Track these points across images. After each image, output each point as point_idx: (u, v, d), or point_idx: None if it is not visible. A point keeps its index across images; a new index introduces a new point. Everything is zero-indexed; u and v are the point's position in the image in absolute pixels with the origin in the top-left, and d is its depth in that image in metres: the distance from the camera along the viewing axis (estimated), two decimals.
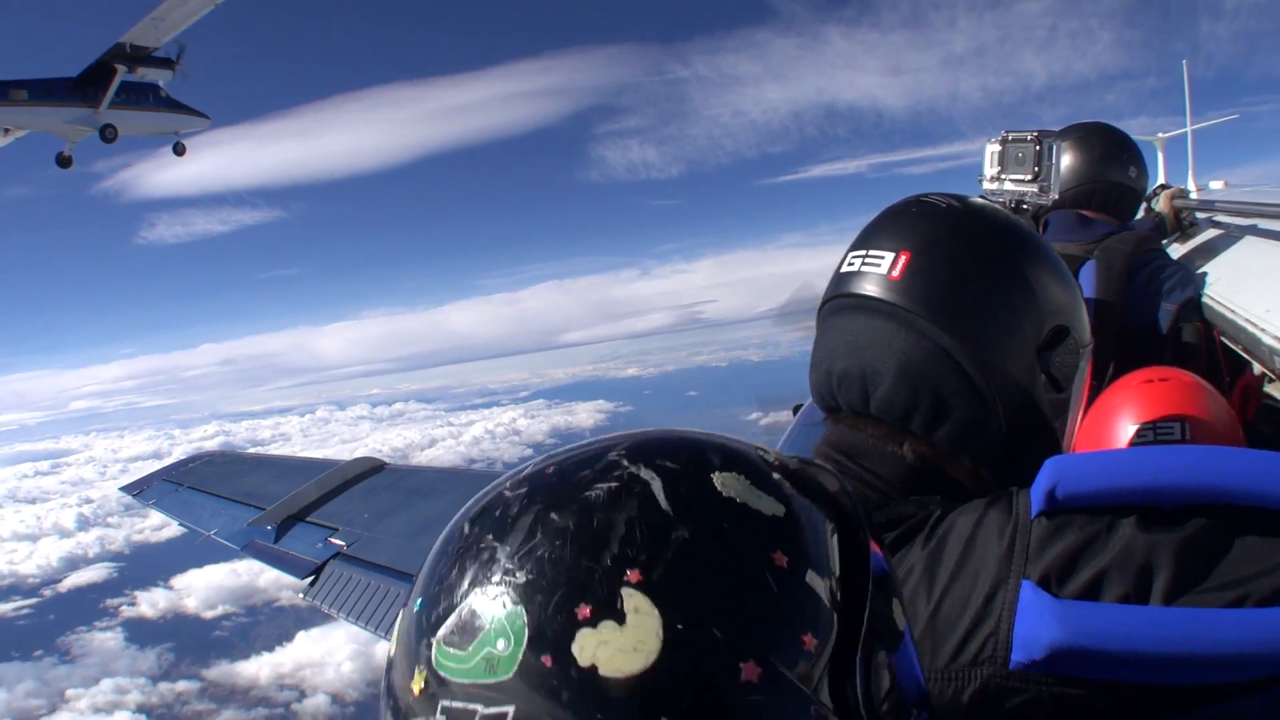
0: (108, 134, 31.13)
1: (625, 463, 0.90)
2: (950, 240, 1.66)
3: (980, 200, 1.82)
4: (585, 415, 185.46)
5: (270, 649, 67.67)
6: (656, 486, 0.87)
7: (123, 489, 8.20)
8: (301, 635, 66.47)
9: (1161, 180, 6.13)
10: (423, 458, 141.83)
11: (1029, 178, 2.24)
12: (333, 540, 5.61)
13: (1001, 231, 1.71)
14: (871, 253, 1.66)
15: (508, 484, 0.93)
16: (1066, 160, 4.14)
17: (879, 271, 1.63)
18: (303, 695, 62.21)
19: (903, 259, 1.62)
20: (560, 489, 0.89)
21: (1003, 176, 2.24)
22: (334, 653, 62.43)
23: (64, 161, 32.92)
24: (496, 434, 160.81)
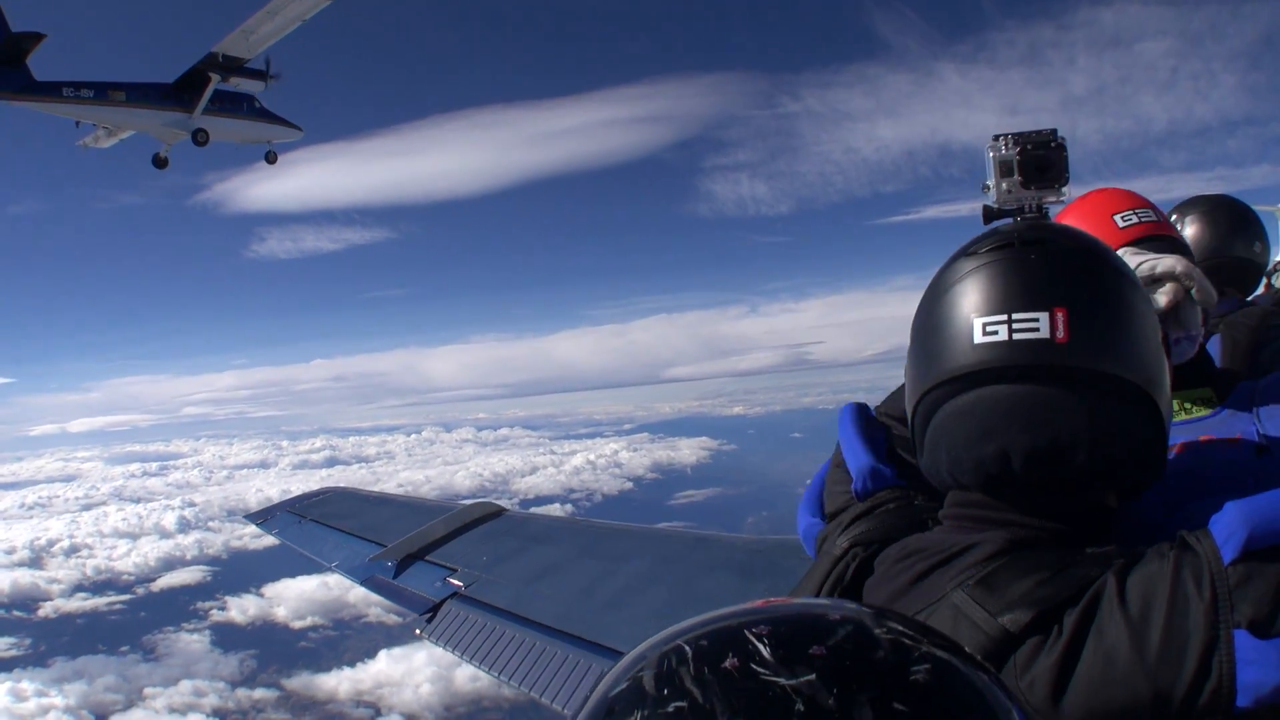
0: (199, 138, 32.73)
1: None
2: (1092, 275, 1.69)
3: (1060, 224, 1.90)
4: (688, 452, 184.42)
5: (352, 664, 68.63)
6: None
7: (247, 517, 8.61)
8: (384, 653, 67.29)
9: None
10: (523, 484, 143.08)
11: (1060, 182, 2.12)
12: (451, 580, 5.83)
13: (1109, 254, 1.78)
14: (1017, 317, 1.63)
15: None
16: (1192, 233, 4.27)
17: (1040, 336, 1.61)
18: (378, 714, 63.00)
19: (1060, 317, 1.62)
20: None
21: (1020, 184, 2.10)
22: (414, 674, 63.18)
23: (160, 162, 34.87)
24: (598, 465, 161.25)
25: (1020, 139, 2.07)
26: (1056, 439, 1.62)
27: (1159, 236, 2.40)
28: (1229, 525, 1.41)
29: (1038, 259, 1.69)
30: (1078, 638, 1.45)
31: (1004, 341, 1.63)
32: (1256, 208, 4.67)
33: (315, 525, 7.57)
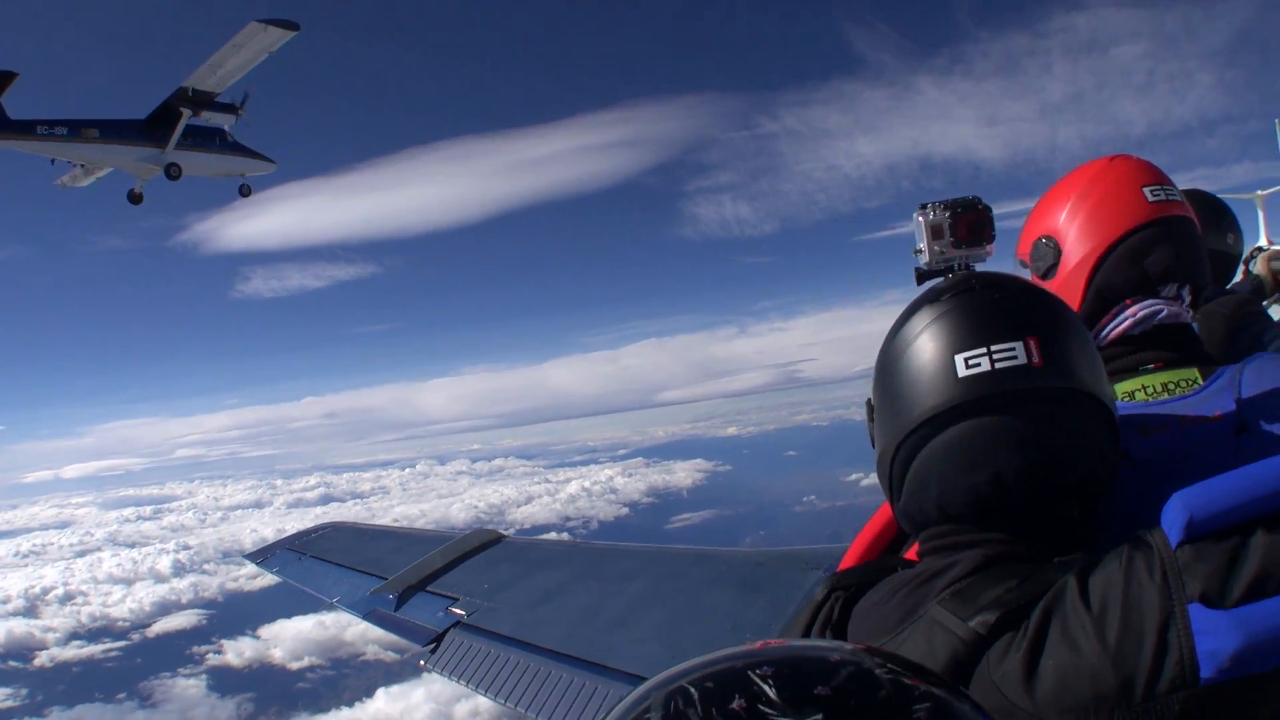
0: (172, 172, 32.94)
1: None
2: (1048, 307, 1.86)
3: (999, 273, 2.03)
4: (684, 474, 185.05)
5: (350, 704, 68.36)
6: None
7: (246, 557, 8.61)
8: (382, 692, 67.08)
9: (1263, 239, 6.23)
10: (519, 514, 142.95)
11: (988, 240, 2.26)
12: (453, 610, 5.85)
13: (1048, 291, 1.97)
14: (996, 348, 1.75)
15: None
16: None
17: (1019, 362, 1.74)
18: None
19: (1034, 344, 1.75)
20: None
21: (959, 243, 2.23)
22: (412, 711, 62.70)
23: (135, 198, 35.06)
24: (593, 492, 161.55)
25: (949, 205, 2.22)
26: (1046, 455, 1.76)
27: (1177, 218, 2.45)
28: (1173, 513, 1.49)
29: (1001, 297, 1.84)
30: (1042, 631, 1.55)
31: (988, 372, 1.75)
32: (1237, 196, 4.78)
33: (315, 561, 7.60)
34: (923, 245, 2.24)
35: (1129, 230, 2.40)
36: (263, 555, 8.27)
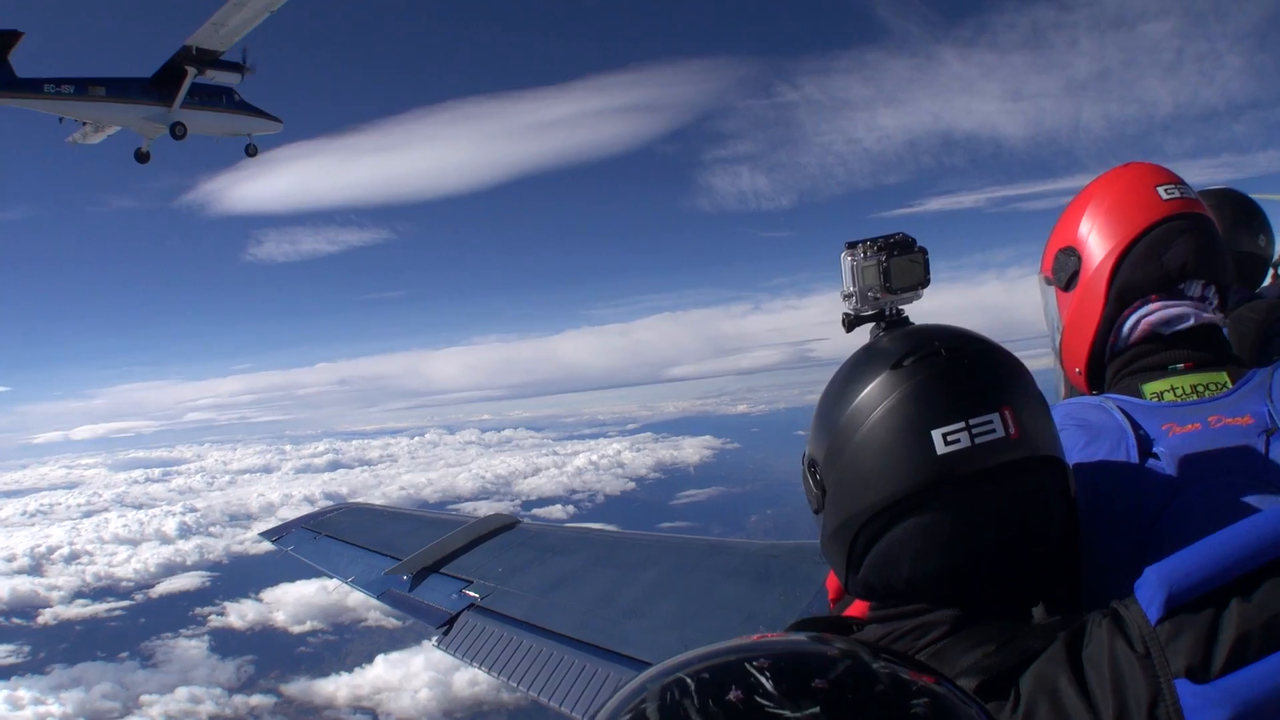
0: (177, 131, 32.80)
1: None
2: (1012, 370, 1.84)
3: (954, 327, 1.94)
4: (691, 450, 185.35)
5: (350, 669, 68.71)
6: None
7: (262, 534, 8.71)
8: (381, 658, 67.41)
9: None
10: (525, 486, 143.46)
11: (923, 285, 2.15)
12: (467, 592, 5.92)
13: (1004, 349, 1.91)
14: (974, 422, 1.72)
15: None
16: None
17: (998, 436, 1.72)
18: (375, 719, 63.25)
19: (1009, 415, 1.73)
20: None
21: (893, 289, 2.11)
22: (412, 679, 63.43)
23: (142, 157, 34.98)
24: (600, 465, 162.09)
25: (884, 245, 2.13)
26: (1024, 526, 1.78)
27: (1194, 214, 2.44)
28: (1150, 588, 1.53)
29: (970, 363, 1.80)
30: (1033, 706, 1.57)
31: (969, 448, 1.71)
32: (1266, 197, 4.74)
33: (330, 540, 7.69)
34: (852, 289, 2.14)
35: (1146, 227, 2.38)
36: (278, 533, 8.36)
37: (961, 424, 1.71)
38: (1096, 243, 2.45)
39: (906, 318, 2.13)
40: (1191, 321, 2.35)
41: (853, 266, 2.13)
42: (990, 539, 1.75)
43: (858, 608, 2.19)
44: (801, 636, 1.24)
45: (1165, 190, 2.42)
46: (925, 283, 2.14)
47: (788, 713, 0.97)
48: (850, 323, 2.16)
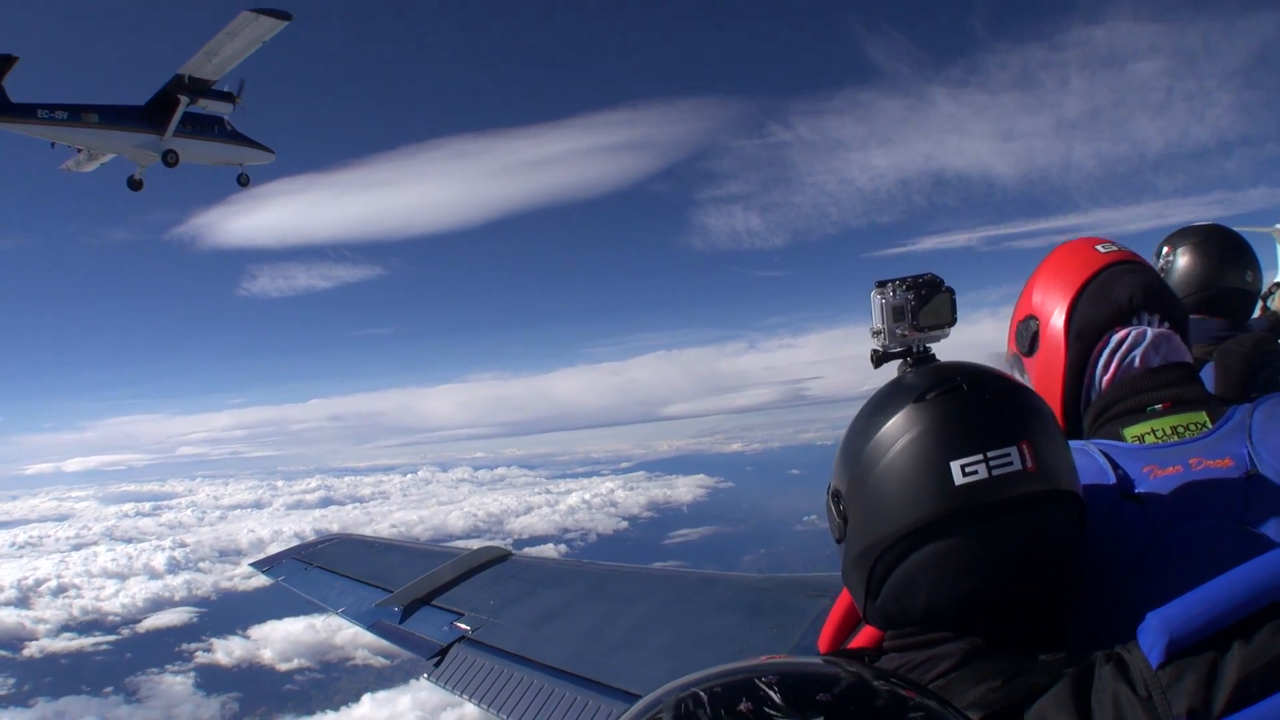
0: (169, 159, 33.34)
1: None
2: (1034, 407, 1.89)
3: (977, 365, 2.00)
4: (685, 490, 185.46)
5: (337, 708, 68.26)
6: None
7: (253, 565, 8.68)
8: (368, 697, 66.95)
9: None
10: (518, 524, 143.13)
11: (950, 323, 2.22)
12: (458, 624, 5.89)
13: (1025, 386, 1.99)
14: (991, 454, 1.76)
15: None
16: (1184, 264, 4.34)
17: (1015, 469, 1.75)
18: None
19: (1026, 448, 1.78)
20: None
21: (921, 326, 2.17)
22: (399, 718, 62.71)
23: (135, 184, 35.53)
24: (593, 504, 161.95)
25: (912, 285, 2.18)
26: (1038, 558, 1.83)
27: (1134, 260, 2.59)
28: (1152, 634, 1.59)
29: (991, 398, 1.85)
30: None
31: (986, 479, 1.75)
32: (1255, 230, 4.77)
33: (320, 571, 7.66)
34: (881, 326, 2.20)
35: (1091, 275, 2.52)
36: (269, 564, 8.33)
37: (979, 456, 1.76)
38: (1050, 300, 2.59)
39: (933, 355, 2.18)
40: (1150, 335, 2.44)
41: (882, 304, 2.19)
42: (1006, 568, 1.79)
43: (862, 639, 2.24)
44: (808, 658, 1.36)
45: (1103, 247, 2.60)
46: (952, 321, 2.20)
47: None
48: (878, 359, 2.21)
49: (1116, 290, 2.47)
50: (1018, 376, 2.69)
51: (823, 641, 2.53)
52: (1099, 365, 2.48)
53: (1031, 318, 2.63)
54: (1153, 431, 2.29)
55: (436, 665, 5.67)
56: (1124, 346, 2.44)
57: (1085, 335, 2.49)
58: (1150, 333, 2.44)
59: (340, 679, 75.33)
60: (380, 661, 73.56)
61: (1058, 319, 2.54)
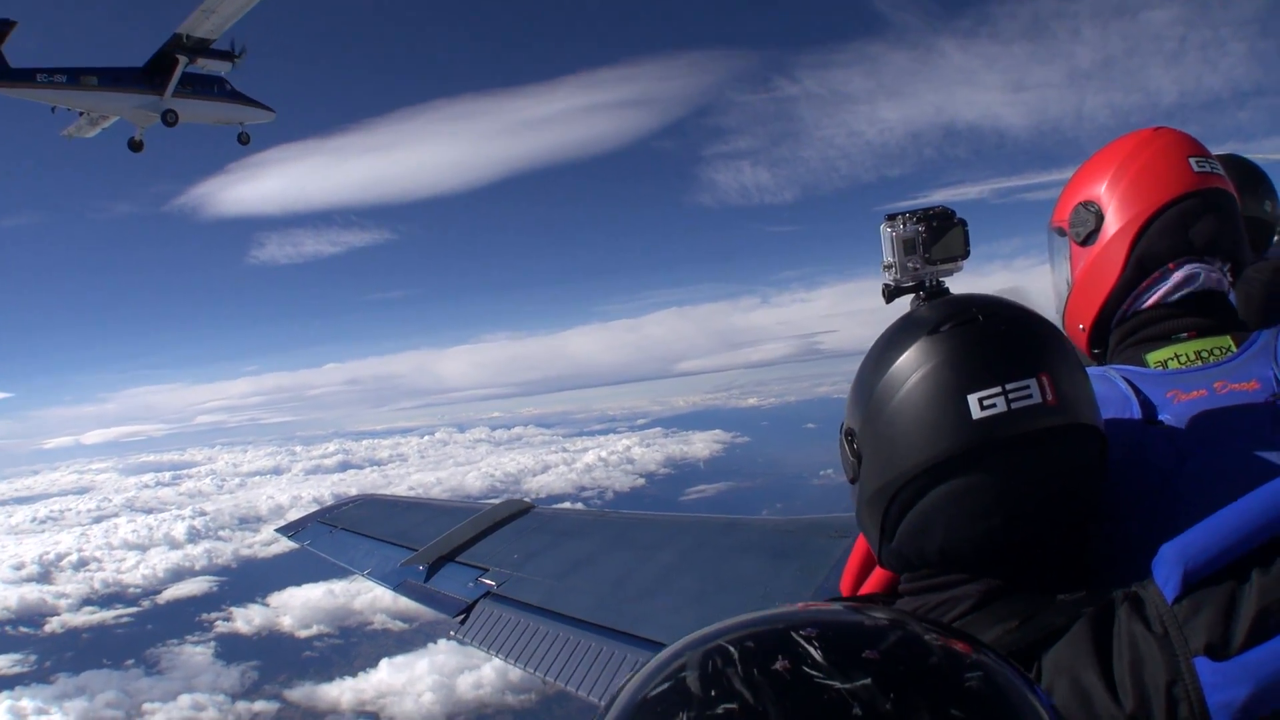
0: (168, 119, 33.36)
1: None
2: (1053, 338, 1.84)
3: (992, 295, 1.95)
4: (701, 445, 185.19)
5: (355, 674, 68.61)
6: None
7: (278, 530, 8.78)
8: (385, 662, 67.41)
9: None
10: (535, 483, 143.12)
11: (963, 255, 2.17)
12: (483, 580, 5.96)
13: (1044, 318, 1.91)
14: (1010, 386, 1.71)
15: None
16: None
17: (1035, 401, 1.71)
18: None
19: (1046, 381, 1.73)
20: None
21: (933, 259, 2.13)
22: (416, 683, 63.22)
23: (135, 146, 35.67)
24: (610, 461, 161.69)
25: (923, 217, 2.14)
26: (1058, 495, 1.77)
27: (1222, 191, 2.41)
28: (1167, 566, 1.57)
29: (1008, 329, 1.80)
30: (1054, 683, 1.59)
31: (1005, 413, 1.70)
32: (1267, 157, 4.72)
33: (346, 534, 7.73)
34: (892, 260, 2.15)
35: (1174, 198, 2.33)
36: (294, 529, 8.40)
37: (998, 389, 1.71)
38: (1121, 205, 2.40)
39: (946, 289, 2.15)
40: (1202, 279, 2.33)
41: (892, 237, 2.14)
42: (1025, 505, 1.74)
43: (876, 581, 2.23)
44: (850, 604, 1.24)
45: (1197, 163, 2.38)
46: (965, 254, 2.16)
47: (837, 684, 0.94)
48: (890, 294, 2.17)
49: (1197, 229, 2.32)
50: (1053, 250, 2.64)
51: (844, 585, 2.48)
52: (1146, 292, 2.38)
53: (1094, 205, 2.44)
54: (1176, 357, 2.24)
55: (462, 622, 5.74)
56: (1178, 286, 2.34)
57: (1146, 264, 2.36)
58: (1204, 275, 2.33)
59: (359, 644, 75.78)
60: (398, 625, 74.08)
61: (1126, 231, 2.38)
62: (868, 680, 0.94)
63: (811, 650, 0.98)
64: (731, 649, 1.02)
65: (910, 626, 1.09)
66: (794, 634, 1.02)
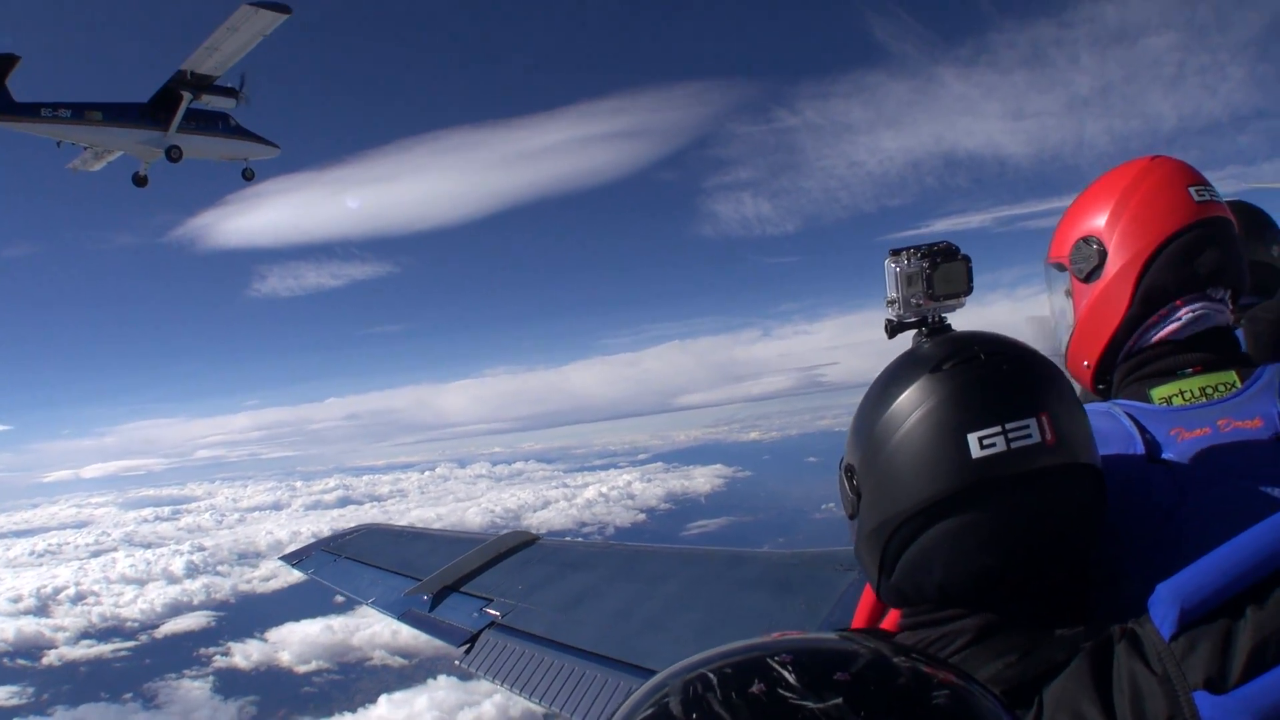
0: (172, 154, 33.59)
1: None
2: (1053, 378, 1.86)
3: (995, 334, 1.96)
4: (703, 480, 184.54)
5: (354, 709, 68.09)
6: None
7: (282, 559, 8.80)
8: (385, 698, 66.93)
9: None
10: (535, 519, 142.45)
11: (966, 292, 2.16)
12: (488, 610, 5.96)
13: (1044, 357, 1.93)
14: (1010, 426, 1.74)
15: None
16: None
17: (1034, 441, 1.74)
18: None
19: (1045, 420, 1.75)
20: None
21: (936, 295, 2.12)
22: (415, 719, 62.74)
23: (139, 181, 35.90)
24: (610, 497, 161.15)
25: (927, 253, 2.13)
26: (1056, 533, 1.80)
27: (1223, 220, 2.40)
28: (1163, 605, 1.60)
29: (1009, 368, 1.83)
30: (1058, 714, 1.62)
31: (1004, 452, 1.73)
32: (1266, 185, 4.74)
33: (350, 562, 7.74)
34: (896, 295, 2.15)
35: (1177, 230, 2.31)
36: (298, 557, 8.42)
37: (998, 428, 1.73)
38: (1124, 238, 2.38)
39: (949, 325, 2.15)
40: (1213, 321, 2.33)
41: (896, 273, 2.15)
42: (1023, 544, 1.77)
43: (891, 621, 2.23)
44: (823, 634, 1.27)
45: (1197, 192, 2.36)
46: (968, 290, 2.15)
47: (810, 704, 1.00)
48: (893, 329, 2.18)
49: (1200, 261, 2.31)
50: (1051, 286, 2.63)
51: (857, 623, 2.50)
52: (1153, 329, 2.37)
53: (1096, 241, 2.42)
54: (1180, 393, 2.24)
55: (467, 652, 5.74)
56: (1185, 323, 2.33)
57: (1151, 298, 2.34)
58: (1210, 311, 2.33)
59: (359, 679, 75.33)
60: (398, 661, 73.70)
61: (1130, 267, 2.36)
62: (839, 700, 1.00)
63: (786, 674, 1.05)
64: (711, 675, 1.08)
65: (882, 651, 1.14)
66: (769, 660, 1.08)
